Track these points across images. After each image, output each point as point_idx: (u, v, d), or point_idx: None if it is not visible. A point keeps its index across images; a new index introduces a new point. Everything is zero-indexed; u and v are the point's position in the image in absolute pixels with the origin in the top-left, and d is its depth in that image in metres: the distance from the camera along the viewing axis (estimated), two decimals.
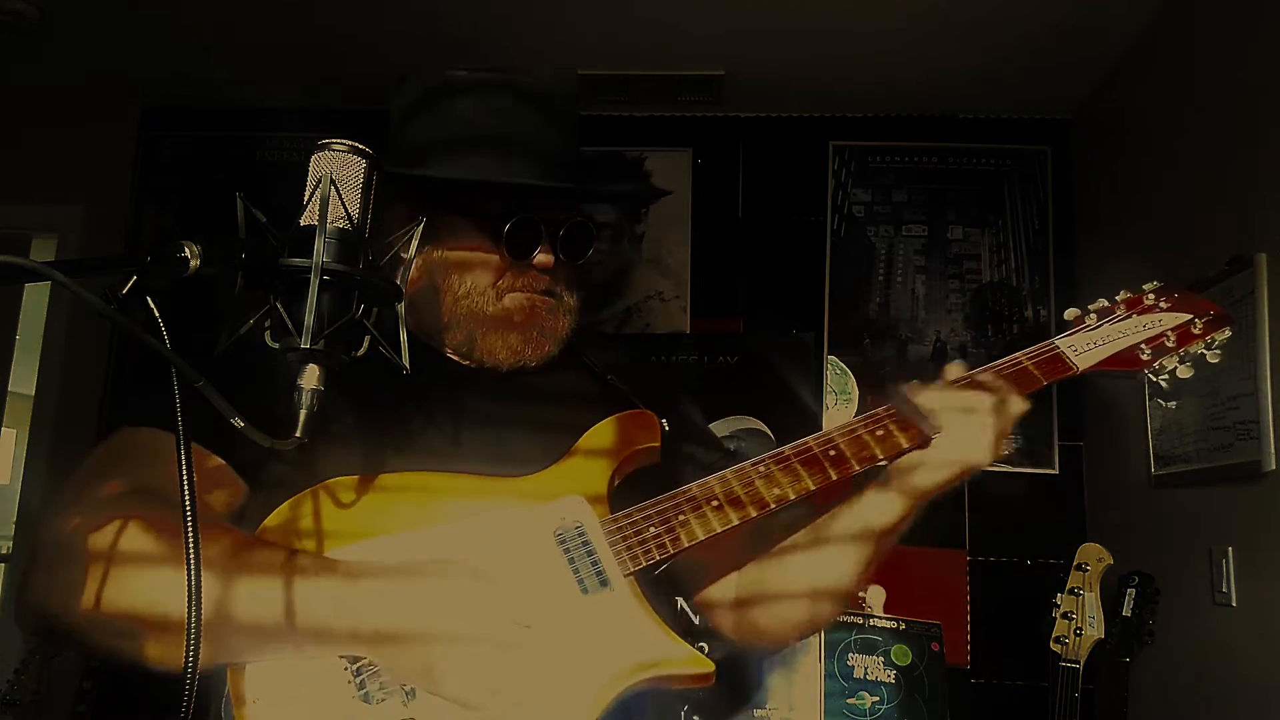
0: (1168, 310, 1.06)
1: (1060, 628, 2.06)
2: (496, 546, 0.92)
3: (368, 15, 2.61)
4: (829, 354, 2.99)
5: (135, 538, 0.83)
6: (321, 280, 0.71)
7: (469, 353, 1.07)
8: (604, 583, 0.92)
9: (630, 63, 2.85)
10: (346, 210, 0.75)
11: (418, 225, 0.87)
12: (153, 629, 0.81)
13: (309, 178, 0.75)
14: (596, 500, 0.98)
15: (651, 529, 0.96)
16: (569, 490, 0.98)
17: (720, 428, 2.91)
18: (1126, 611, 2.09)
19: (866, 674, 2.31)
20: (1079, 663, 2.03)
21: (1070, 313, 1.09)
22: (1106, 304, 1.09)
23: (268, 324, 0.74)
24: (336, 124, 1.03)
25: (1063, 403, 2.88)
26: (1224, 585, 2.00)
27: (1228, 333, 1.06)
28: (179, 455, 0.64)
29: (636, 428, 1.06)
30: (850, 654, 2.32)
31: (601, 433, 1.03)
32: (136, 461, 0.92)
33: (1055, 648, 2.06)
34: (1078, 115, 2.99)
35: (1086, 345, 1.04)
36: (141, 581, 0.82)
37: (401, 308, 0.82)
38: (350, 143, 0.75)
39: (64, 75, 3.01)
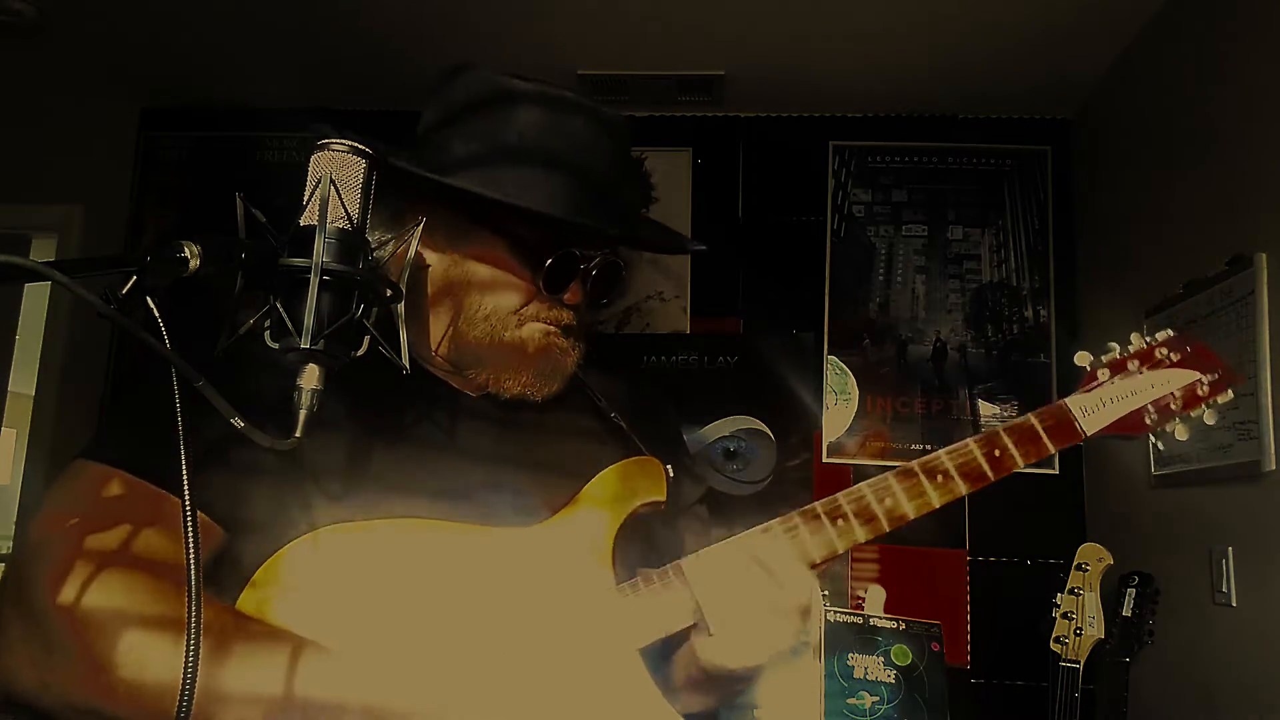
0: (1176, 365, 1.05)
1: (1060, 628, 2.06)
2: (498, 616, 0.87)
3: (367, 15, 2.61)
4: (829, 354, 2.99)
5: (125, 605, 0.76)
6: (321, 280, 0.71)
7: (472, 376, 1.01)
8: (609, 658, 0.89)
9: (630, 63, 2.85)
10: (346, 210, 0.75)
11: (418, 225, 0.86)
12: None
13: (309, 178, 0.75)
14: (602, 563, 0.93)
15: (660, 601, 0.92)
16: (572, 549, 0.93)
17: (720, 428, 2.91)
18: (1126, 611, 2.09)
19: (866, 674, 2.31)
20: (1079, 663, 2.03)
21: (1081, 357, 1.06)
22: (1118, 355, 1.06)
23: (267, 324, 0.74)
24: (336, 124, 1.02)
25: None
26: (1224, 585, 2.00)
27: (1230, 394, 1.06)
28: (179, 456, 0.64)
29: (643, 479, 1.00)
30: (850, 654, 2.32)
31: (606, 485, 0.97)
32: (105, 508, 0.83)
33: (1055, 648, 2.06)
34: (1078, 115, 2.99)
35: (1096, 406, 1.02)
36: (143, 663, 0.74)
37: (401, 308, 0.81)
38: (350, 143, 0.75)
39: (64, 75, 3.01)
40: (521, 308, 1.00)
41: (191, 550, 0.63)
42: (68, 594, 0.76)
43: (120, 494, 0.84)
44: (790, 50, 2.73)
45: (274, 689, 0.75)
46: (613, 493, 0.97)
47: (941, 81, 2.86)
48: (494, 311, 0.99)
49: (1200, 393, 1.05)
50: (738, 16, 2.55)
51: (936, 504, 0.97)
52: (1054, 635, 2.06)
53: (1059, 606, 2.07)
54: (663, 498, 1.00)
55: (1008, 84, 2.85)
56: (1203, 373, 1.05)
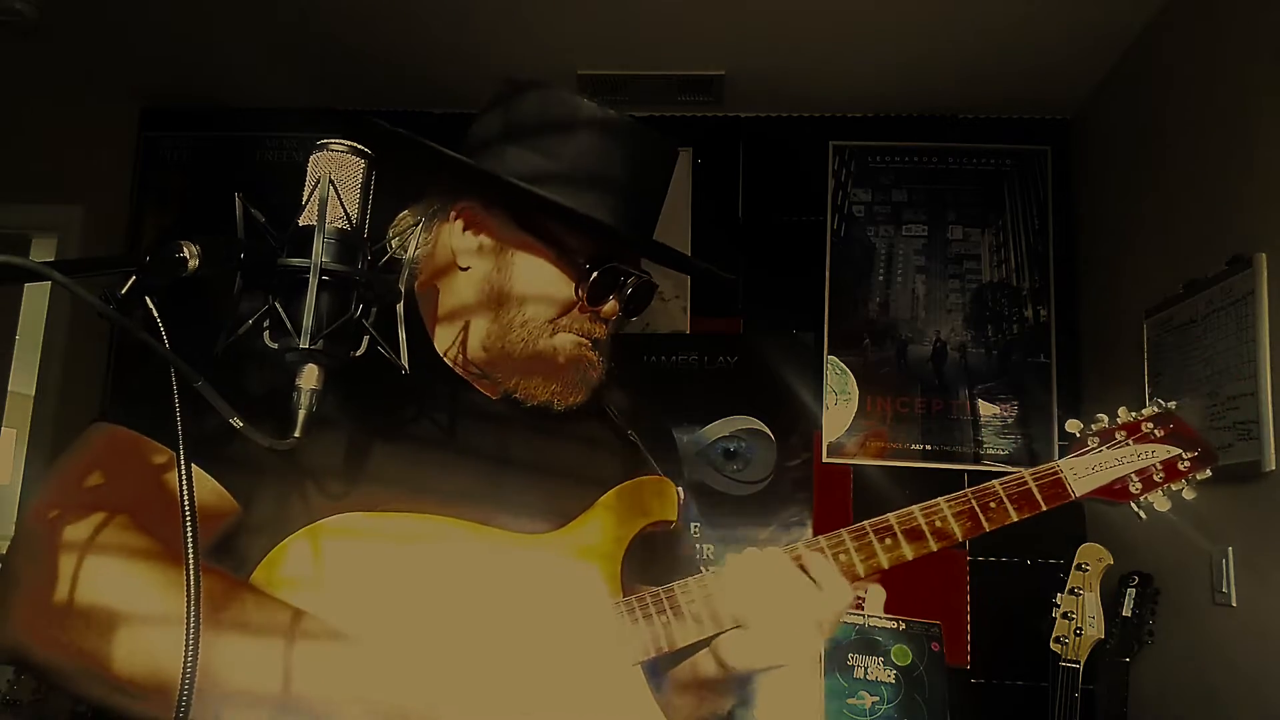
0: (1160, 440, 1.12)
1: (1060, 628, 2.06)
2: (507, 619, 0.87)
3: (367, 15, 2.61)
4: (829, 354, 2.99)
5: (133, 574, 0.76)
6: (320, 280, 0.71)
7: (500, 381, 1.02)
8: (613, 670, 0.89)
9: (630, 63, 2.85)
10: (345, 210, 0.74)
11: (417, 224, 0.87)
12: (150, 684, 0.73)
13: (308, 178, 0.75)
14: (609, 575, 0.95)
15: (662, 618, 0.94)
16: (582, 561, 0.94)
17: (720, 428, 2.91)
18: (1126, 611, 2.09)
19: (866, 674, 2.31)
20: (1079, 663, 2.03)
21: (1072, 424, 1.14)
22: (1106, 425, 1.13)
23: (267, 324, 0.74)
24: (336, 124, 1.01)
25: (1062, 402, 2.88)
26: (1224, 585, 2.00)
27: (1208, 473, 1.12)
28: (179, 458, 0.63)
29: (655, 499, 1.03)
30: (850, 654, 2.32)
31: (619, 501, 1.00)
32: (119, 469, 0.83)
33: (1055, 648, 2.06)
34: (1078, 115, 2.99)
35: (1085, 470, 1.10)
36: (142, 629, 0.74)
37: (401, 309, 0.81)
38: (349, 143, 0.75)
39: (64, 75, 3.01)
40: (558, 317, 1.01)
41: (191, 556, 0.62)
42: (74, 535, 0.75)
43: (139, 451, 0.83)
44: (790, 50, 2.73)
45: (273, 663, 0.75)
46: (626, 508, 0.99)
47: (941, 81, 2.86)
48: (531, 319, 1.00)
49: (1181, 467, 1.11)
50: (738, 16, 2.55)
51: (935, 548, 1.07)
52: (1054, 635, 2.06)
53: (1059, 606, 2.07)
54: (674, 518, 1.03)
55: (1008, 84, 2.85)
56: (1184, 449, 1.12)
